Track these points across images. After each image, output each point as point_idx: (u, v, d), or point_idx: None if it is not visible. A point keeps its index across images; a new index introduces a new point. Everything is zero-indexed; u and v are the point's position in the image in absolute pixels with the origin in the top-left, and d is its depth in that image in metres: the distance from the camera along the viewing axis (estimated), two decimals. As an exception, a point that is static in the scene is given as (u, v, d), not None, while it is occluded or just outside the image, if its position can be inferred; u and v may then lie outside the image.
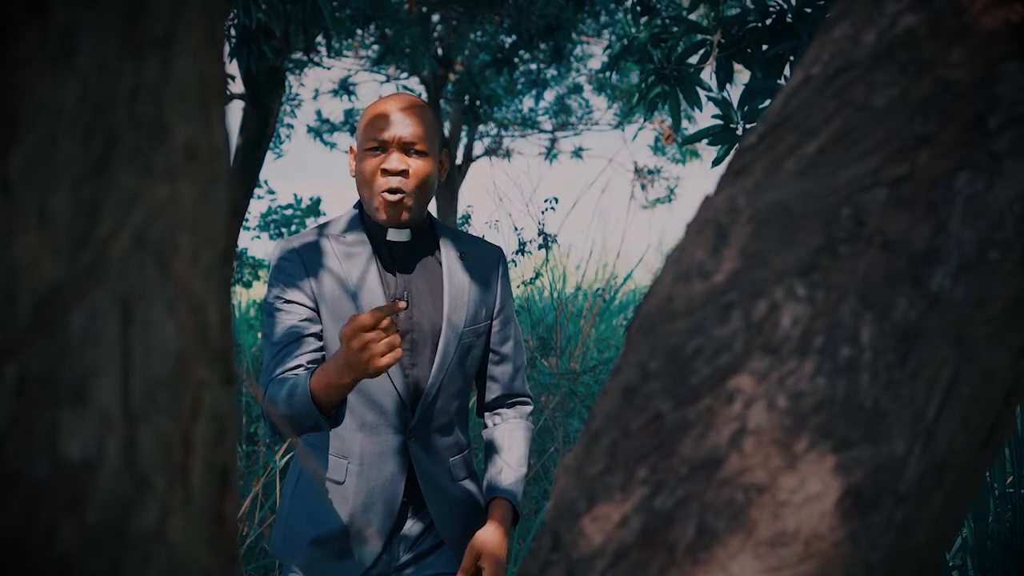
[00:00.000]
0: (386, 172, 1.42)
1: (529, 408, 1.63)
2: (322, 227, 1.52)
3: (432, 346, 1.47)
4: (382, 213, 1.43)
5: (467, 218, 5.29)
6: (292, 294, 1.43)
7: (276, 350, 1.41)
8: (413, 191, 1.43)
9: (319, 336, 1.44)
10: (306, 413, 1.31)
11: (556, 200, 4.28)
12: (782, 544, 0.47)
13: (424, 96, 6.56)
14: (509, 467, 1.53)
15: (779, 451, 0.47)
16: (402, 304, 1.25)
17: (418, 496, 1.49)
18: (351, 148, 1.51)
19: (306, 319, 1.43)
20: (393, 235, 1.47)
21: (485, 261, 1.55)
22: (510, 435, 1.57)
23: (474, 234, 1.63)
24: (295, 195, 6.60)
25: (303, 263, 1.45)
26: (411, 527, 1.50)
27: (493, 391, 1.60)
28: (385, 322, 1.20)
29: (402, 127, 1.42)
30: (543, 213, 4.27)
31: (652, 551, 0.48)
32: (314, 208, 6.60)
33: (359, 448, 1.46)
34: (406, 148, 1.42)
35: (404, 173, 1.42)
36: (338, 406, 1.33)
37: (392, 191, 1.41)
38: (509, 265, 1.70)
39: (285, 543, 1.51)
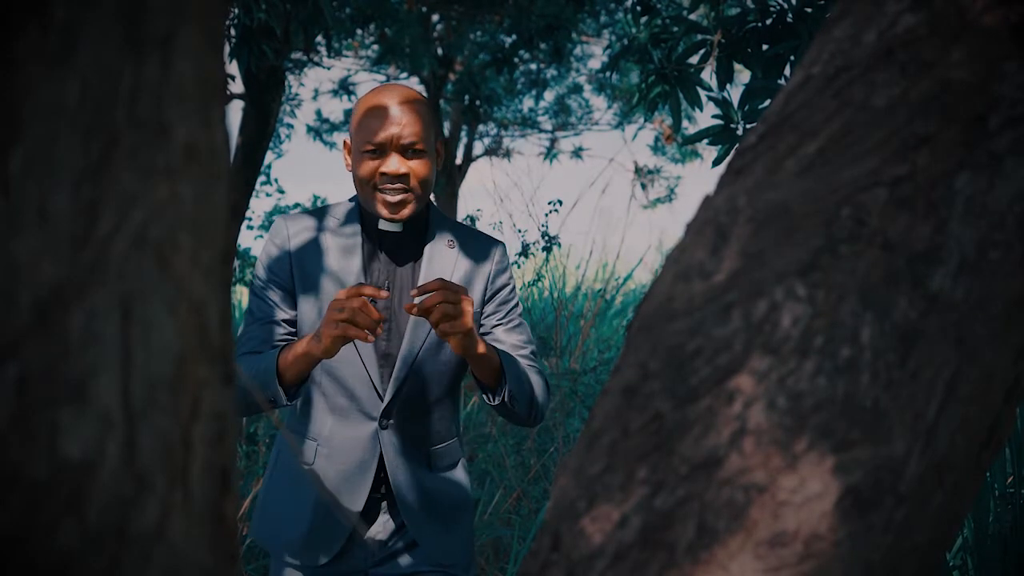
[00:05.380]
0: (385, 176, 1.40)
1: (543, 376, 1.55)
2: (321, 212, 1.51)
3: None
4: (384, 215, 1.42)
5: (473, 221, 5.29)
6: (273, 278, 1.47)
7: (251, 330, 1.47)
8: (414, 192, 1.42)
9: (291, 323, 1.48)
10: (267, 381, 1.35)
11: (560, 202, 4.27)
12: (782, 544, 0.47)
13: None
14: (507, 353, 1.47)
15: (779, 451, 0.47)
16: (383, 293, 1.28)
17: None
18: (345, 142, 1.49)
19: (282, 305, 1.47)
20: (385, 224, 1.45)
21: (478, 252, 1.53)
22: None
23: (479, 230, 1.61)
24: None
25: (290, 250, 1.46)
26: (385, 521, 1.48)
27: None
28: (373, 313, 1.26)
29: (399, 127, 1.39)
30: (547, 216, 4.26)
31: (652, 551, 0.48)
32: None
33: (328, 431, 1.45)
34: (404, 150, 1.40)
35: (404, 177, 1.40)
36: (298, 383, 1.38)
37: (393, 193, 1.40)
38: (511, 267, 1.67)
39: (261, 526, 1.51)
